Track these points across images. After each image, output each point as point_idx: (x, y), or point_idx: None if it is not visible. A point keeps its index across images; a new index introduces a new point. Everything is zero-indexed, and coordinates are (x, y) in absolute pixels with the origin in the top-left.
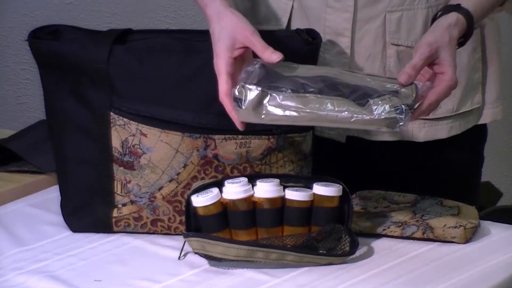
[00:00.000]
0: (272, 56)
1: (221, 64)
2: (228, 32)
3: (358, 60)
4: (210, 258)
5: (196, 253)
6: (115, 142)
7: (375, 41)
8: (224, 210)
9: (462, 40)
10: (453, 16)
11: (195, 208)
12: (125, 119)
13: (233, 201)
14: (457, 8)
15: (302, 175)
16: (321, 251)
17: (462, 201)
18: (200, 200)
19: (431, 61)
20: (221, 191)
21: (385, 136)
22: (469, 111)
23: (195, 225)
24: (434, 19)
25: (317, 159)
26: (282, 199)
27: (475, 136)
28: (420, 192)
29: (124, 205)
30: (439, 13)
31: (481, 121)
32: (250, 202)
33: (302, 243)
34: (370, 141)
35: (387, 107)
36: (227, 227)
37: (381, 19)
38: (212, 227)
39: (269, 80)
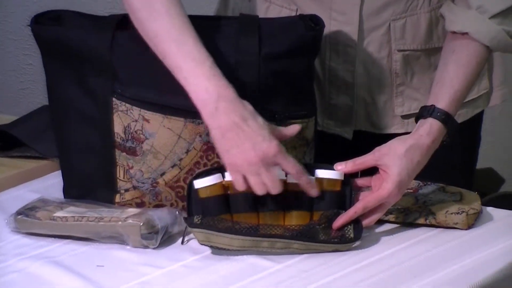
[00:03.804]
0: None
1: (282, 147)
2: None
3: (364, 67)
4: (215, 248)
5: (201, 244)
6: (118, 128)
7: (380, 48)
8: (225, 194)
9: (446, 138)
10: (426, 126)
11: (197, 191)
12: (127, 105)
13: None
14: (432, 111)
15: (304, 163)
16: (325, 238)
17: (461, 184)
18: (202, 181)
19: (377, 166)
20: (223, 176)
21: (393, 128)
22: (477, 97)
23: (197, 210)
24: (416, 119)
25: (321, 154)
26: (285, 183)
27: (472, 118)
28: (419, 176)
29: (126, 190)
30: (418, 114)
31: (490, 104)
32: None
33: (304, 228)
34: (376, 135)
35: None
36: (229, 211)
37: (385, 28)
38: (214, 210)
39: None
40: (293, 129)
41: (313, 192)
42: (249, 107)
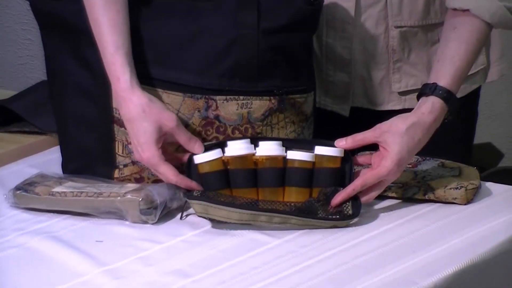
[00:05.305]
0: (195, 148)
1: (155, 159)
2: (154, 121)
3: (361, 43)
4: (213, 221)
5: (199, 216)
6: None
7: (377, 24)
8: (225, 169)
9: (448, 116)
10: (428, 104)
11: (196, 166)
12: None
13: (235, 158)
14: (434, 89)
15: (304, 139)
16: (323, 214)
17: (458, 159)
18: (202, 157)
19: (377, 143)
20: (223, 152)
21: (391, 104)
22: (474, 73)
23: None
24: (418, 97)
25: (318, 131)
26: (284, 159)
27: (469, 94)
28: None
29: (125, 166)
30: (420, 92)
31: (488, 80)
32: (251, 160)
33: (303, 205)
34: (373, 111)
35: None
36: (228, 186)
37: (382, 4)
38: (213, 185)
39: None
40: (193, 148)
41: (198, 188)
42: (136, 110)
